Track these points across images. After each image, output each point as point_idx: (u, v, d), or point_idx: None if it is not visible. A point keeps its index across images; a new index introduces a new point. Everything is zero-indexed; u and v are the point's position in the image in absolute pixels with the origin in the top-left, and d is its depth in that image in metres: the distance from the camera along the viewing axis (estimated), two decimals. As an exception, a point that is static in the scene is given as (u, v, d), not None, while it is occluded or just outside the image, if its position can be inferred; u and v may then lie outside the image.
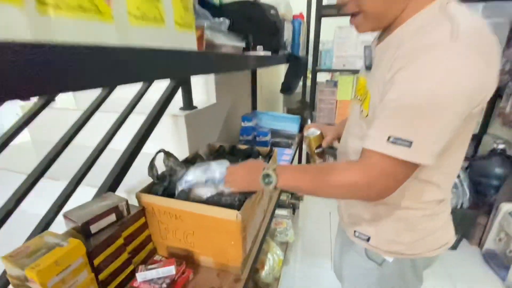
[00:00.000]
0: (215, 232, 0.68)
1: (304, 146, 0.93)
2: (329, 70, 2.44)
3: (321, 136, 0.88)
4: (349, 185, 0.57)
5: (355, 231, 0.78)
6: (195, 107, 1.21)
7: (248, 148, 1.06)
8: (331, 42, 2.41)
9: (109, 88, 0.90)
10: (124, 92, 1.02)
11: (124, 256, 0.65)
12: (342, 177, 0.57)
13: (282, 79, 1.62)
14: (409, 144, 0.49)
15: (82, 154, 0.83)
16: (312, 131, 0.89)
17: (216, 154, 1.04)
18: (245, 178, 0.68)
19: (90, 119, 0.90)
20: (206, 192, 0.70)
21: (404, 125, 0.50)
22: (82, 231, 0.59)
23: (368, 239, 0.74)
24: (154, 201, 0.70)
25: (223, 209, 0.64)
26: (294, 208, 2.12)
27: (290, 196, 2.09)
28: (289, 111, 3.29)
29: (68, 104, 1.59)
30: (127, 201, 0.67)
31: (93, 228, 0.60)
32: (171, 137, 1.14)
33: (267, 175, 0.62)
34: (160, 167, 0.80)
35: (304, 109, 2.08)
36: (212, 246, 0.70)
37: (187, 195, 0.70)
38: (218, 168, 0.73)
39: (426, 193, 0.65)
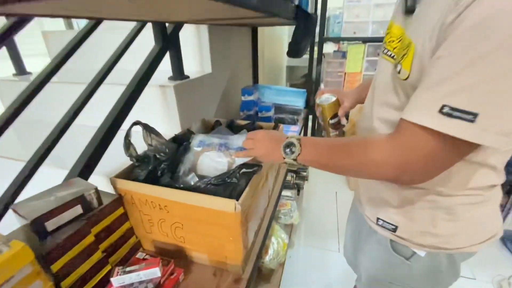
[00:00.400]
0: (209, 226, 0.54)
1: (317, 114, 0.76)
2: (338, 39, 2.22)
3: (337, 103, 0.72)
4: (376, 163, 0.44)
5: (378, 219, 0.65)
6: (187, 77, 1.04)
7: (248, 124, 0.90)
8: (338, 10, 2.17)
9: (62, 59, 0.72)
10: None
11: (97, 256, 0.53)
12: (368, 153, 0.45)
13: (285, 53, 1.42)
14: (473, 117, 0.34)
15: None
16: (326, 97, 0.72)
17: (212, 131, 0.89)
18: (266, 145, 0.58)
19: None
20: (218, 158, 0.66)
21: (469, 89, 0.34)
22: (35, 229, 0.45)
23: (394, 229, 0.61)
24: (132, 188, 0.56)
25: (217, 199, 0.50)
26: (298, 189, 2.00)
27: (294, 176, 1.96)
28: (293, 86, 3.10)
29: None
30: (96, 189, 0.53)
31: (50, 225, 0.47)
32: (159, 112, 0.99)
33: (291, 144, 0.53)
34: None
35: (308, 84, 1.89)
36: (206, 242, 0.58)
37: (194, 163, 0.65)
38: (236, 137, 0.70)
39: (478, 177, 0.50)
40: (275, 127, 0.86)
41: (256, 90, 1.45)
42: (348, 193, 2.18)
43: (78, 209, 0.51)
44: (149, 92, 0.87)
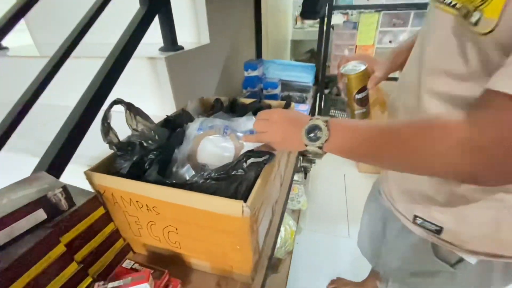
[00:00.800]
0: (209, 232, 0.43)
1: (340, 87, 0.63)
2: (350, 7, 2.00)
3: (366, 73, 0.57)
4: (449, 155, 0.31)
5: (415, 217, 0.53)
6: (181, 48, 0.89)
7: (254, 102, 0.77)
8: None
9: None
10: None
11: (71, 269, 0.42)
12: (436, 141, 0.31)
13: (290, 26, 1.24)
14: None
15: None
16: (353, 65, 0.58)
17: (211, 111, 0.76)
18: (283, 128, 0.45)
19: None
20: (223, 143, 0.55)
21: None
22: (-21, 244, 0.34)
23: (438, 231, 0.50)
24: (112, 184, 0.45)
25: (219, 199, 0.39)
26: (305, 172, 1.90)
27: (301, 158, 1.85)
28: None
29: (28, 51, 1.26)
30: (64, 187, 0.41)
31: (1, 237, 0.36)
32: (149, 89, 0.85)
33: (315, 127, 0.40)
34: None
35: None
36: (207, 250, 0.47)
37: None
38: (244, 118, 0.59)
39: None
40: (287, 106, 0.73)
41: (260, 64, 1.30)
42: (357, 176, 2.08)
43: (40, 214, 0.39)
44: (136, 65, 0.73)
